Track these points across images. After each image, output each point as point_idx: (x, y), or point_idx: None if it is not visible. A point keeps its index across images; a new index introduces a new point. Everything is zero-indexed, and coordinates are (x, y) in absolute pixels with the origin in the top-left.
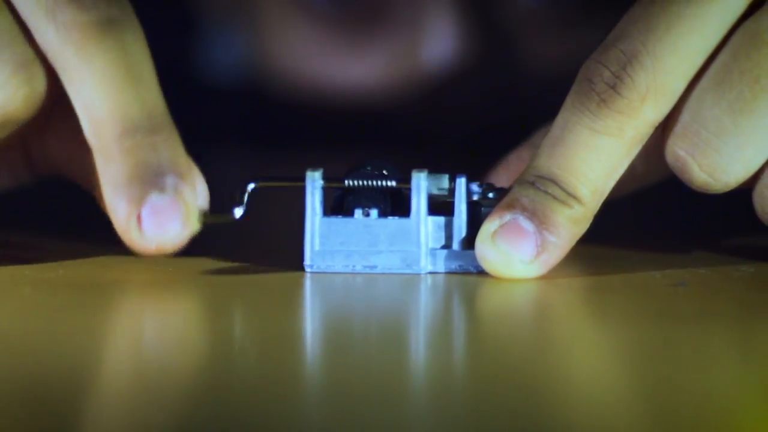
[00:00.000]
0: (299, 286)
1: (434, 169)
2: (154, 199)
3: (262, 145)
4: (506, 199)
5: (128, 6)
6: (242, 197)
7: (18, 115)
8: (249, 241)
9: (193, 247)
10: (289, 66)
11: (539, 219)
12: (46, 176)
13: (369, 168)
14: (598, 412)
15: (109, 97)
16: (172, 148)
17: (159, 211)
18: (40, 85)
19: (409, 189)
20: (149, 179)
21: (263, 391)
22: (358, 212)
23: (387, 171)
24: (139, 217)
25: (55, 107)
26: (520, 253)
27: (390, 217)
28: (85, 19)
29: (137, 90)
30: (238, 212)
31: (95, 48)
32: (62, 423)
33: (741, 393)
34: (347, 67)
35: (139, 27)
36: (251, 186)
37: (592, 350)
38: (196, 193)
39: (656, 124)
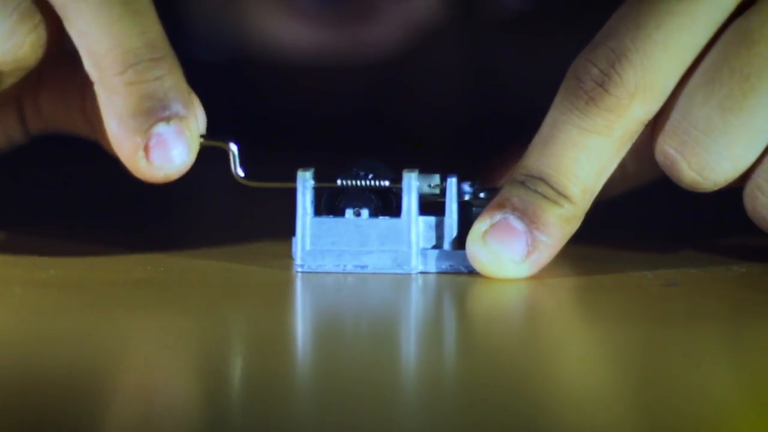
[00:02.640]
0: (290, 285)
1: (425, 169)
2: (161, 129)
3: (248, 141)
4: (497, 199)
5: None
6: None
7: (27, 62)
8: (240, 241)
9: (186, 247)
10: (276, 62)
11: (530, 218)
12: (38, 134)
13: (360, 168)
14: (588, 412)
15: (109, 29)
16: (174, 77)
17: (165, 141)
18: (45, 31)
19: (400, 189)
20: (154, 110)
21: (255, 391)
22: (349, 212)
23: (377, 170)
24: (146, 148)
25: (48, 62)
26: (510, 253)
27: (381, 217)
28: None
29: (136, 20)
30: (234, 146)
31: None
32: (55, 423)
33: (732, 393)
34: (334, 64)
35: None
36: (234, 147)
37: (583, 350)
38: (198, 121)
39: (646, 122)
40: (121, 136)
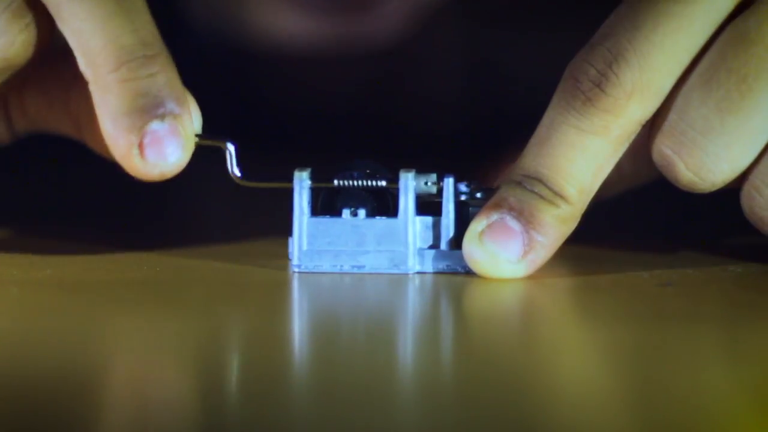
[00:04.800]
0: (287, 285)
1: (422, 168)
2: (155, 127)
3: (244, 139)
4: (493, 199)
5: None
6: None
7: (17, 60)
8: (237, 241)
9: (182, 247)
10: (272, 56)
11: (526, 218)
12: (24, 134)
13: (357, 168)
14: (584, 413)
15: (102, 27)
16: (168, 74)
17: (160, 139)
18: (36, 30)
19: (397, 189)
20: (148, 107)
21: (251, 391)
22: (345, 212)
23: (374, 170)
24: (141, 146)
25: (34, 61)
26: (507, 253)
27: (378, 217)
28: None
29: (129, 18)
30: (231, 146)
31: None
32: (52, 423)
33: (728, 393)
34: (332, 57)
35: None
36: (231, 146)
37: (579, 350)
38: (192, 118)
39: (643, 123)
40: (115, 135)
